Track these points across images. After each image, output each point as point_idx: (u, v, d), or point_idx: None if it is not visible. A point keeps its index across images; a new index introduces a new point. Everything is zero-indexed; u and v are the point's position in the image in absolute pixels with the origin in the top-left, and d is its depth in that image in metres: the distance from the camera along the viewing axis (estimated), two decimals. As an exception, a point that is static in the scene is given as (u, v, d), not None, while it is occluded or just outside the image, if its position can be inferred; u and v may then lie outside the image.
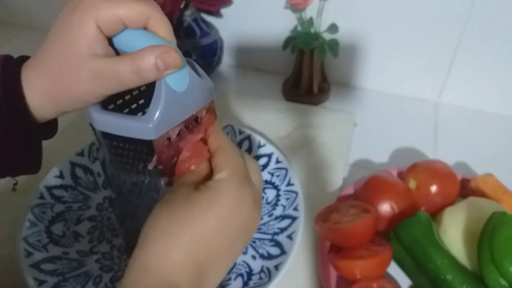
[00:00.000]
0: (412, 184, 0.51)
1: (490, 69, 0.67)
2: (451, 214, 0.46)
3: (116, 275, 0.45)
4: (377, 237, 0.47)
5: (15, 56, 0.32)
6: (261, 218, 0.50)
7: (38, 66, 0.30)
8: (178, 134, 0.31)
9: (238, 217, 0.29)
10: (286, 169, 0.53)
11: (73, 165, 0.52)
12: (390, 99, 0.75)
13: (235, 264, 0.46)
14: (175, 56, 0.28)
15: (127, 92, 0.35)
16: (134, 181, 0.34)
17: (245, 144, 0.57)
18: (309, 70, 0.70)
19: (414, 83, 0.73)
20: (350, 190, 0.53)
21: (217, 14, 0.74)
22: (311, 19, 0.68)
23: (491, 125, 0.70)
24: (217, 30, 0.75)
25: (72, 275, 0.43)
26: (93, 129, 0.32)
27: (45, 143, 0.35)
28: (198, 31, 0.70)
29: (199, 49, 0.71)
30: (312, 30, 0.68)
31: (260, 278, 0.43)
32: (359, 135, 0.67)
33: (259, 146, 0.56)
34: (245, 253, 0.47)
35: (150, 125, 0.29)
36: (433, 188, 0.49)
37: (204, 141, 0.33)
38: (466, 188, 0.52)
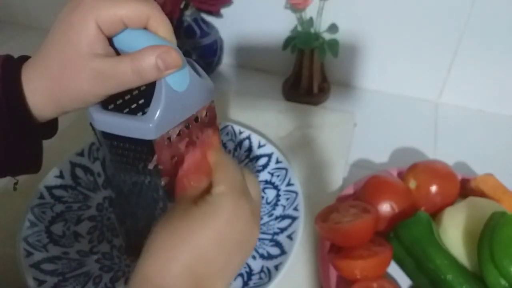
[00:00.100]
0: (412, 184, 0.51)
1: (490, 69, 0.67)
2: (451, 214, 0.46)
3: (116, 275, 0.45)
4: (377, 237, 0.47)
5: (15, 56, 0.32)
6: (261, 218, 0.51)
7: (38, 66, 0.30)
8: (178, 134, 0.31)
9: (235, 230, 0.29)
10: (286, 169, 0.53)
11: (73, 165, 0.52)
12: (390, 99, 0.75)
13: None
14: (176, 56, 0.28)
15: (127, 92, 0.36)
16: (134, 181, 0.34)
17: (245, 144, 0.57)
18: (309, 70, 0.70)
19: (414, 83, 0.73)
20: (350, 190, 0.54)
21: (217, 14, 0.74)
22: (311, 19, 0.68)
23: (491, 125, 0.70)
24: (217, 30, 0.75)
25: (72, 275, 0.43)
26: (93, 129, 0.32)
27: (45, 143, 0.35)
28: (198, 31, 0.70)
29: (199, 49, 0.71)
30: (312, 30, 0.68)
31: (260, 278, 0.43)
32: (359, 135, 0.67)
33: (259, 146, 0.56)
34: (245, 253, 0.47)
35: (150, 124, 0.29)
36: (433, 188, 0.49)
37: (204, 157, 0.33)
38: (466, 188, 0.52)
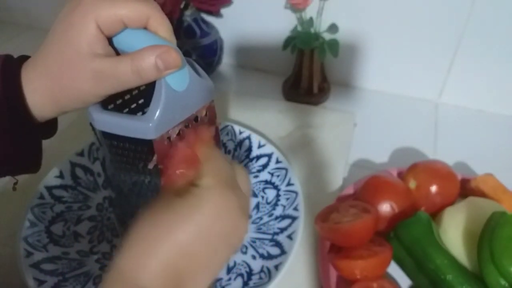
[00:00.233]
0: (412, 184, 0.51)
1: (490, 69, 0.67)
2: (451, 214, 0.46)
3: (116, 275, 0.45)
4: (377, 237, 0.47)
5: (15, 56, 0.32)
6: (261, 218, 0.51)
7: (38, 66, 0.30)
8: (178, 134, 0.31)
9: (221, 225, 0.28)
10: (286, 169, 0.53)
11: (73, 165, 0.52)
12: (390, 99, 0.75)
13: (235, 264, 0.46)
14: (175, 56, 0.28)
15: (127, 92, 0.35)
16: (134, 181, 0.34)
17: (245, 144, 0.57)
18: (309, 70, 0.70)
19: (414, 83, 0.73)
20: (350, 190, 0.53)
21: (217, 14, 0.74)
22: (311, 19, 0.68)
23: (491, 125, 0.70)
24: (217, 30, 0.75)
25: (72, 275, 0.43)
26: (93, 129, 0.32)
27: (45, 143, 0.35)
28: (198, 31, 0.70)
29: (199, 49, 0.71)
30: (312, 30, 0.68)
31: (260, 278, 0.43)
32: (359, 135, 0.67)
33: (259, 146, 0.56)
34: (245, 253, 0.47)
35: (150, 124, 0.29)
36: (433, 188, 0.49)
37: (194, 149, 0.33)
38: (466, 188, 0.52)
